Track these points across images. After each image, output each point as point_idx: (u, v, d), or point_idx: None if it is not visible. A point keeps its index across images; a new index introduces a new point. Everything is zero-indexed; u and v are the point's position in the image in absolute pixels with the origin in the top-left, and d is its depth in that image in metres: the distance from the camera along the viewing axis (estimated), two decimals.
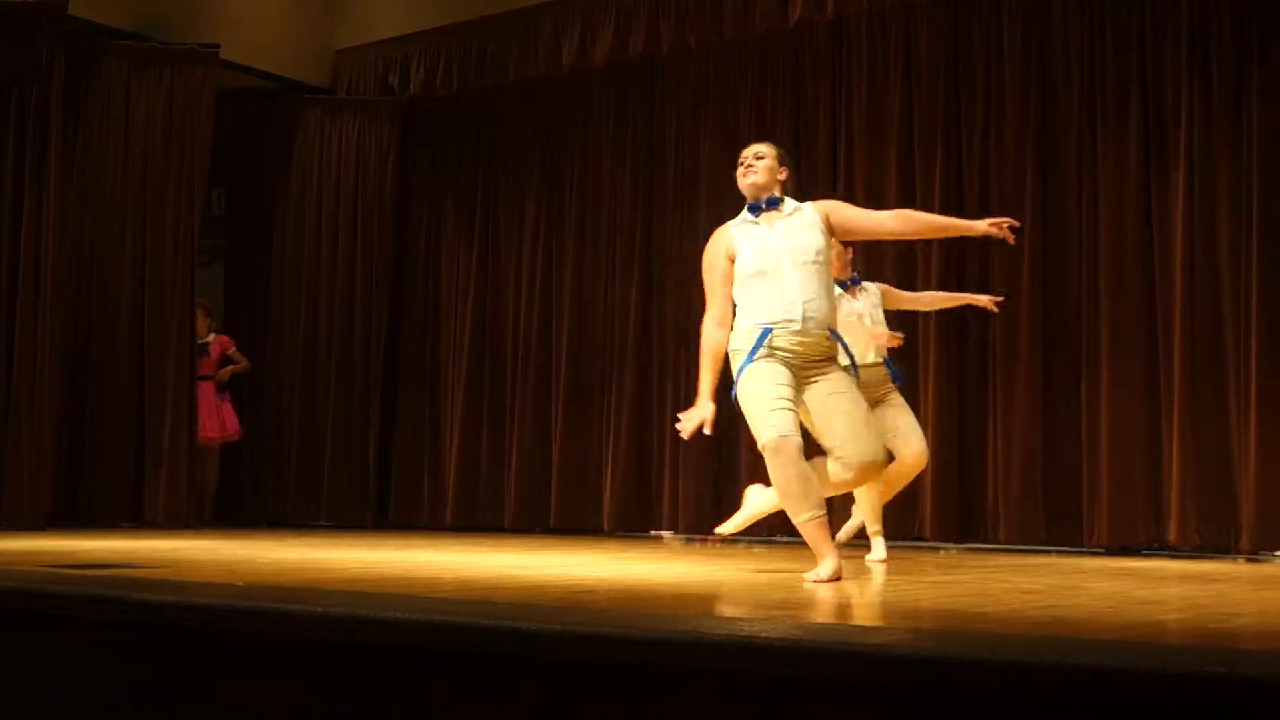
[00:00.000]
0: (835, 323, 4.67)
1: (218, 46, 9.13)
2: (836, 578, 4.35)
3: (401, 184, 10.13)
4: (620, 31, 8.76)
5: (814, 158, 8.28)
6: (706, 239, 8.28)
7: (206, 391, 9.22)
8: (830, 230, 4.71)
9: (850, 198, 8.08)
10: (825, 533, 4.44)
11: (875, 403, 5.70)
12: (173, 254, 8.88)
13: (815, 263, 4.57)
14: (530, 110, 9.64)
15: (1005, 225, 4.65)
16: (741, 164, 4.80)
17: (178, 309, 8.87)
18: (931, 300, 6.54)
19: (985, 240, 7.68)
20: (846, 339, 5.02)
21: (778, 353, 4.49)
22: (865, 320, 5.94)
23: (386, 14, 10.09)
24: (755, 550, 6.70)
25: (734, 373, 4.55)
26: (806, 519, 4.40)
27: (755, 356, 4.47)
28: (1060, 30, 7.54)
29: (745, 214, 4.75)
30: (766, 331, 4.48)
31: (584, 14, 8.94)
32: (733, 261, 4.65)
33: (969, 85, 7.81)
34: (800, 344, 4.49)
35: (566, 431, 9.11)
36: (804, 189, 8.24)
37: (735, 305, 4.66)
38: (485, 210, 9.79)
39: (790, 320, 4.48)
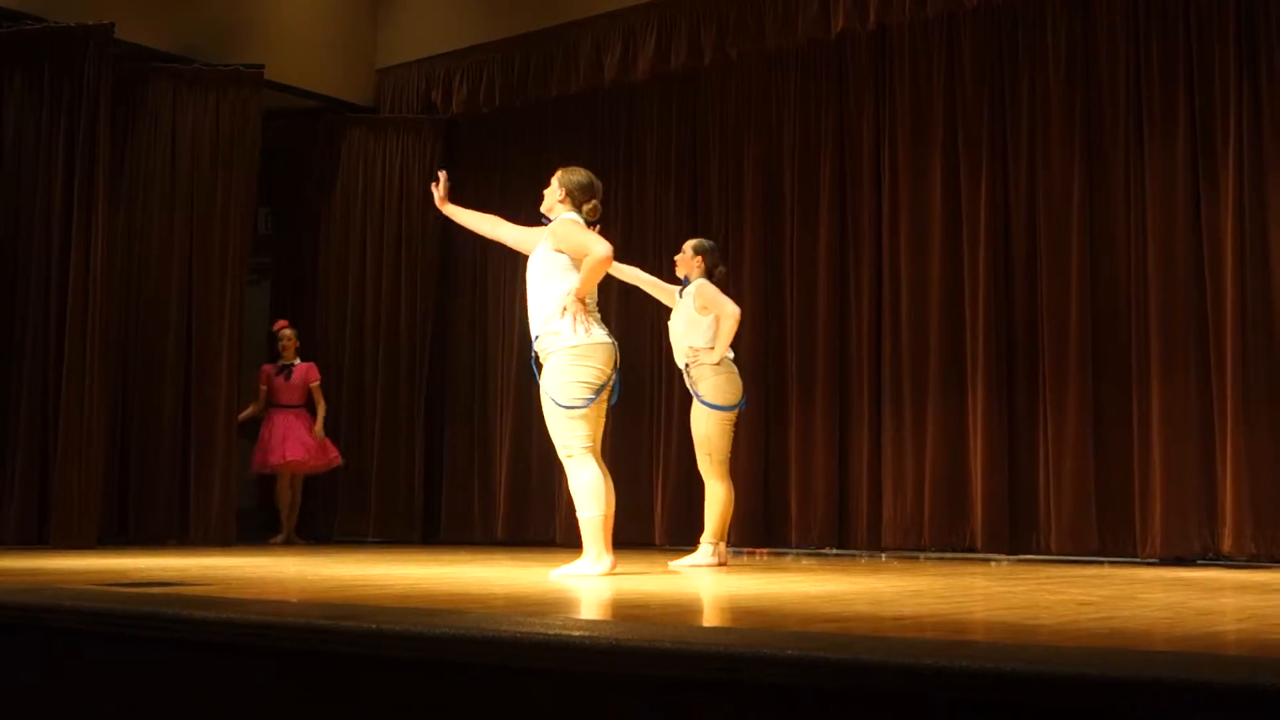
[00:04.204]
0: (545, 322, 5.31)
1: (262, 67, 9.22)
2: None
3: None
4: (661, 45, 8.78)
5: (858, 168, 8.24)
6: (751, 252, 8.35)
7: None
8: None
9: (894, 208, 8.09)
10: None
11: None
12: (220, 274, 8.96)
13: (537, 270, 5.43)
14: (573, 125, 9.66)
15: None
16: None
17: (227, 329, 8.94)
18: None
19: (1033, 235, 7.54)
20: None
21: None
22: (680, 321, 6.45)
23: (429, 32, 10.15)
24: (803, 562, 6.67)
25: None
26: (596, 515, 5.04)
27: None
28: (1105, 33, 7.47)
29: None
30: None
31: (625, 28, 8.96)
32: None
33: (1013, 92, 7.76)
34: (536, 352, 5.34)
35: (616, 446, 9.08)
36: (849, 199, 8.28)
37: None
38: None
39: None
